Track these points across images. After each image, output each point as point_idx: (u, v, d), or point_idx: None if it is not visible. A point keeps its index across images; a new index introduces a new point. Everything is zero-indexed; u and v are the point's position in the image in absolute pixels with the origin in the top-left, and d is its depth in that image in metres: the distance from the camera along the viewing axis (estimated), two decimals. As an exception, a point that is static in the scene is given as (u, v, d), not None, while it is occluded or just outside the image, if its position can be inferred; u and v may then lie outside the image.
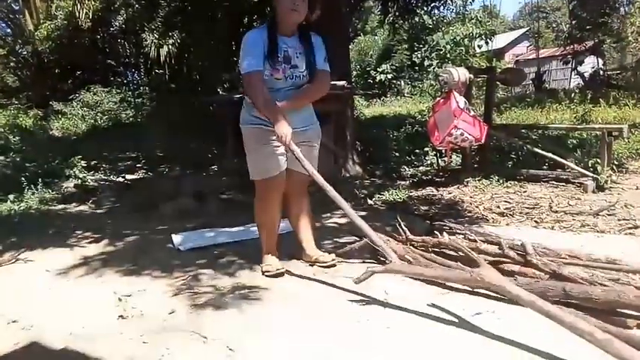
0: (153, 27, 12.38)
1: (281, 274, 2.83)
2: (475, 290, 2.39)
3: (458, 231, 3.09)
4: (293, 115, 2.72)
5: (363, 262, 2.98)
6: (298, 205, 3.02)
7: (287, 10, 2.64)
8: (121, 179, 6.21)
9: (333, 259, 2.94)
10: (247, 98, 2.82)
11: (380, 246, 2.52)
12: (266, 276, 2.82)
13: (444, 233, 2.98)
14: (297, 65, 2.72)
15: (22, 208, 4.76)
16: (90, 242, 3.72)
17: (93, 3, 11.09)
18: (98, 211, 4.89)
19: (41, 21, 14.11)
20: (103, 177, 6.30)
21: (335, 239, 3.54)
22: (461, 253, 2.55)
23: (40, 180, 5.35)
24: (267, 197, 2.87)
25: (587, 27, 17.98)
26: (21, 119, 10.98)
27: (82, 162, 6.24)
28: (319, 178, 2.65)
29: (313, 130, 2.92)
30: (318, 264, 2.95)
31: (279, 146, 2.71)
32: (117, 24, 14.10)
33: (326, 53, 2.85)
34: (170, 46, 12.50)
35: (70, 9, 12.16)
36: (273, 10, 2.76)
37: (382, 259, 2.96)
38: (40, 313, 2.43)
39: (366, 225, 2.63)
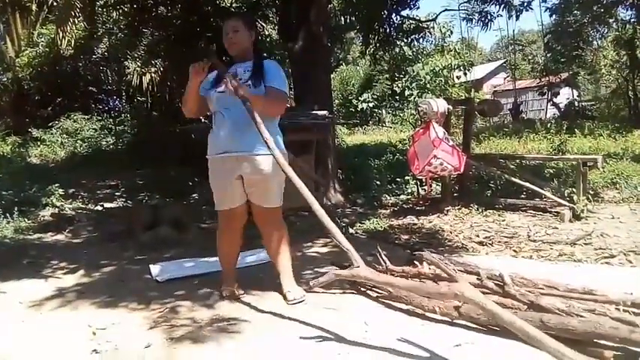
0: (136, 55, 12.41)
1: (236, 298, 2.91)
2: (454, 321, 2.40)
3: (439, 261, 3.09)
4: (237, 137, 2.70)
5: (344, 292, 2.97)
6: (269, 236, 2.96)
7: (226, 46, 2.92)
8: (99, 208, 6.12)
9: (303, 296, 2.84)
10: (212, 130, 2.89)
11: (348, 249, 2.46)
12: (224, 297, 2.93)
13: (424, 263, 2.99)
14: (242, 78, 2.76)
15: (-5, 237, 4.66)
16: (65, 273, 3.64)
17: (75, 31, 11.12)
18: (75, 240, 4.81)
19: (22, 48, 14.06)
20: (81, 205, 6.22)
21: (316, 269, 3.52)
22: (438, 271, 2.56)
23: (15, 208, 5.25)
24: (222, 228, 2.97)
25: (562, 59, 18.55)
26: (-2, 146, 10.85)
27: (60, 190, 6.15)
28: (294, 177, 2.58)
29: (264, 158, 2.72)
30: (285, 300, 2.85)
31: (236, 177, 2.75)
32: (99, 51, 14.12)
33: (281, 75, 2.86)
34: (152, 74, 12.54)
35: (52, 36, 12.16)
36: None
37: (362, 289, 2.96)
38: (11, 347, 2.36)
39: (335, 227, 2.59)
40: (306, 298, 2.85)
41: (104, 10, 10.76)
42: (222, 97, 2.76)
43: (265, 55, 3.08)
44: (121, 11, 10.52)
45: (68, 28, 10.30)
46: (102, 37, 13.27)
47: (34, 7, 10.35)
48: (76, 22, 10.37)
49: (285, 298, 2.88)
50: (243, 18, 3.06)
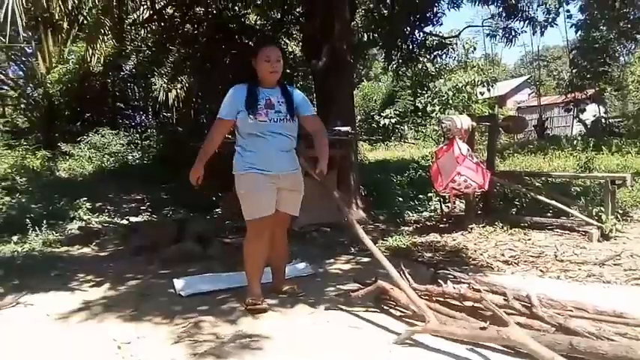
0: (162, 72, 12.64)
1: (263, 310, 2.96)
2: (479, 342, 2.35)
3: (462, 280, 3.06)
4: (278, 158, 3.04)
5: (367, 310, 2.94)
6: (282, 239, 3.32)
7: (267, 74, 3.07)
8: (125, 222, 6.21)
9: (299, 293, 3.27)
10: (239, 147, 3.10)
11: (419, 306, 2.56)
12: (248, 309, 2.95)
13: (448, 282, 2.96)
14: (280, 110, 3.06)
15: (25, 249, 4.75)
16: (92, 286, 3.70)
17: (105, 48, 11.43)
18: (101, 253, 4.88)
19: (53, 64, 14.46)
20: (108, 219, 6.31)
21: (338, 286, 3.51)
22: (463, 291, 2.56)
23: (44, 221, 5.36)
24: (259, 235, 3.09)
25: (588, 76, 18.28)
26: (29, 160, 11.07)
27: (87, 204, 6.26)
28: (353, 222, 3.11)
29: (297, 175, 3.18)
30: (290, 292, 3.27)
31: (273, 188, 3.04)
32: (127, 68, 14.44)
33: (308, 100, 3.28)
34: (178, 90, 12.76)
35: (82, 53, 12.49)
36: (252, 68, 3.13)
37: (385, 307, 2.93)
38: (38, 359, 2.39)
39: (402, 280, 2.74)
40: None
41: (133, 28, 11.04)
42: (265, 124, 3.00)
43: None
44: (148, 29, 10.80)
45: (98, 45, 10.60)
46: (130, 55, 13.58)
47: (65, 25, 10.65)
48: (106, 39, 10.68)
49: (291, 292, 3.27)
50: (280, 49, 3.28)
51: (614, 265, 3.91)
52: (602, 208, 5.09)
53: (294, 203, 3.20)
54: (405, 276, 2.98)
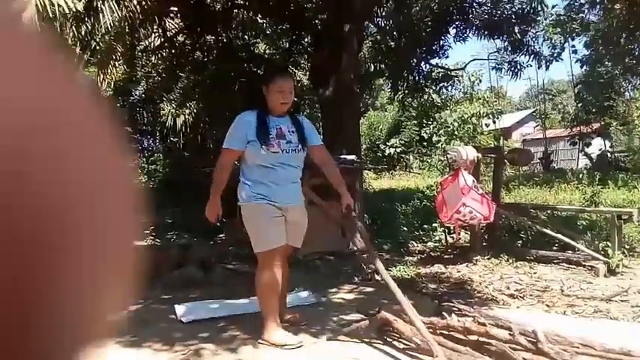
0: (171, 97, 12.83)
1: (300, 345, 2.86)
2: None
3: (467, 313, 3.02)
4: (287, 191, 2.99)
5: (370, 342, 2.90)
6: (286, 272, 3.20)
7: (277, 104, 3.02)
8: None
9: (302, 322, 3.23)
10: (245, 178, 3.02)
11: (427, 340, 2.52)
12: (287, 349, 2.82)
13: (453, 314, 2.92)
14: (291, 141, 3.01)
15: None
16: (92, 310, 3.65)
17: (115, 73, 11.62)
18: (103, 277, 4.85)
19: (64, 88, 14.69)
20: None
21: (341, 316, 3.46)
22: (468, 324, 2.51)
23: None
24: (272, 266, 2.97)
25: (593, 110, 18.38)
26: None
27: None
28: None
29: (302, 207, 3.15)
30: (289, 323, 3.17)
31: (282, 221, 2.98)
32: (137, 93, 14.64)
33: (315, 129, 3.28)
34: (186, 116, 12.90)
35: (93, 78, 12.68)
36: (262, 96, 3.09)
37: (389, 339, 2.88)
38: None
39: (412, 312, 2.71)
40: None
41: (144, 54, 11.24)
42: (277, 156, 2.96)
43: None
44: (159, 56, 10.98)
45: (109, 70, 10.78)
46: (140, 80, 13.79)
47: (77, 50, 10.87)
48: (117, 65, 10.86)
49: (293, 321, 3.23)
50: (292, 79, 3.26)
51: (621, 301, 3.85)
52: (608, 243, 5.04)
53: (298, 236, 3.15)
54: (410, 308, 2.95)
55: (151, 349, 2.83)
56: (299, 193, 3.10)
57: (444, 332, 2.71)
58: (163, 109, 13.33)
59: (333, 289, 4.25)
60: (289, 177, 3.01)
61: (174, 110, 12.96)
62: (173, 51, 9.68)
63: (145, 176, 13.16)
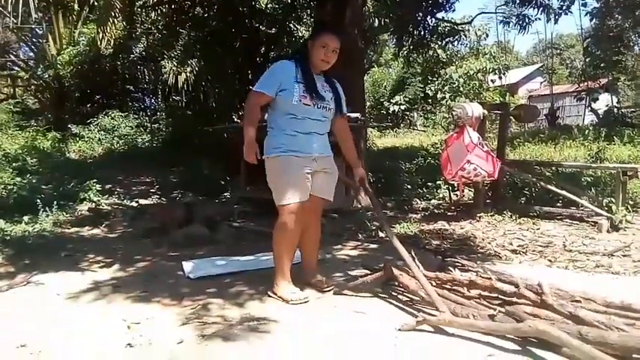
0: (172, 55, 12.65)
1: (307, 301, 2.89)
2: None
3: (470, 268, 3.06)
4: (315, 141, 2.98)
5: (375, 296, 2.95)
6: (316, 228, 3.19)
7: (318, 60, 2.99)
8: (134, 204, 6.25)
9: (328, 286, 3.09)
10: (273, 129, 2.99)
11: (433, 298, 2.53)
12: (292, 304, 2.84)
13: (456, 269, 2.96)
14: (324, 97, 3.00)
15: (36, 229, 4.78)
16: (101, 266, 3.73)
17: (115, 30, 11.40)
18: (111, 235, 4.92)
19: (64, 46, 14.46)
20: (117, 201, 6.35)
21: (346, 271, 3.52)
22: (473, 278, 2.57)
23: (54, 202, 5.40)
24: (290, 222, 2.93)
25: (601, 65, 18.03)
26: (39, 141, 11.12)
27: (97, 186, 6.29)
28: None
29: (331, 158, 3.12)
30: (313, 287, 3.11)
31: (309, 173, 2.94)
32: (137, 51, 14.42)
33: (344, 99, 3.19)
34: (188, 74, 12.76)
35: (93, 35, 12.48)
36: (305, 46, 3.07)
37: (394, 293, 2.93)
38: (49, 338, 2.43)
39: (416, 268, 2.75)
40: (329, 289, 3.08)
41: (143, 10, 11.00)
42: (308, 109, 2.94)
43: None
44: (159, 12, 10.76)
45: (108, 27, 10.57)
46: (140, 37, 13.56)
47: (75, 7, 10.62)
48: (116, 22, 10.63)
49: (317, 285, 3.10)
50: (341, 38, 3.09)
51: (623, 256, 3.89)
52: (612, 199, 5.06)
53: (329, 187, 3.11)
54: (415, 263, 2.98)
55: (159, 304, 2.89)
56: (327, 144, 3.08)
57: (449, 287, 2.75)
58: (164, 67, 13.16)
59: (338, 246, 4.30)
60: (318, 128, 3.00)
61: (175, 68, 12.80)
62: (173, 6, 9.47)
63: (149, 135, 13.12)
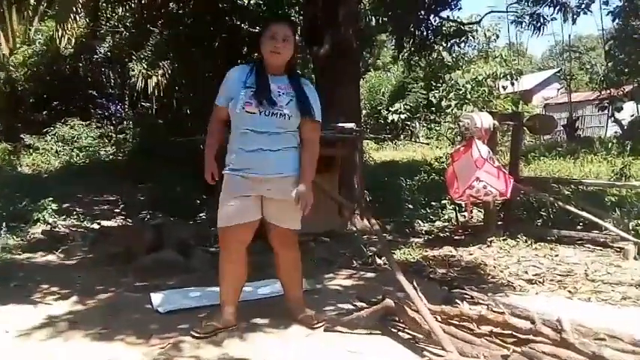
0: (142, 56, 12.68)
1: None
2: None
3: (480, 300, 3.06)
4: (265, 158, 2.87)
5: (370, 333, 2.93)
6: (285, 261, 3.15)
7: (267, 52, 2.91)
8: (95, 226, 6.20)
9: (319, 323, 3.04)
10: (228, 146, 3.02)
11: (439, 335, 2.52)
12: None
13: (464, 302, 2.96)
14: (275, 103, 2.87)
15: (-20, 256, 4.74)
16: (57, 299, 3.68)
17: (77, 28, 11.42)
18: (68, 262, 4.87)
19: (17, 45, 14.44)
20: (76, 223, 6.30)
21: (338, 304, 3.51)
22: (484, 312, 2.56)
23: (3, 224, 5.35)
24: (227, 247, 3.02)
25: (625, 70, 18.29)
26: (-14, 153, 11.10)
27: (53, 205, 6.25)
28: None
29: (292, 179, 2.95)
30: (301, 324, 3.07)
31: (248, 196, 2.91)
32: (102, 51, 14.46)
33: (318, 101, 3.06)
34: (159, 77, 12.77)
35: (51, 33, 12.49)
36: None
37: (394, 330, 2.92)
38: (-6, 383, 2.39)
39: (420, 302, 2.73)
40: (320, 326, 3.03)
41: (109, 5, 11.06)
42: (253, 117, 2.87)
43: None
44: (127, 7, 10.80)
45: (69, 24, 10.59)
46: (105, 36, 13.62)
47: (31, 1, 10.65)
48: (78, 18, 10.67)
49: (305, 322, 3.05)
50: (293, 26, 3.10)
51: (653, 287, 3.91)
52: (639, 222, 5.09)
53: (287, 213, 2.99)
54: (418, 294, 2.97)
55: (123, 342, 2.86)
56: (285, 163, 2.92)
57: (456, 322, 2.75)
58: (132, 70, 13.18)
59: (329, 275, 4.28)
60: (269, 143, 2.87)
61: (144, 71, 12.81)
62: (143, 1, 9.51)
63: (114, 147, 13.09)
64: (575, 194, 6.51)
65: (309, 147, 2.99)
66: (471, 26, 11.23)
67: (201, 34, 9.56)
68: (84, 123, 13.46)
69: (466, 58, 19.21)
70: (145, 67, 12.70)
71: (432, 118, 22.06)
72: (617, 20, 15.25)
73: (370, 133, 20.30)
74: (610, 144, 13.60)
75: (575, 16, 9.52)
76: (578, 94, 27.23)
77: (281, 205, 2.96)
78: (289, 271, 3.19)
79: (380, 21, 10.51)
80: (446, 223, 6.48)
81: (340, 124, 5.58)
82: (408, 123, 22.63)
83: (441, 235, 5.96)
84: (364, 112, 22.00)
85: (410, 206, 7.03)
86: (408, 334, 2.85)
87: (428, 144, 19.77)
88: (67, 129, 12.95)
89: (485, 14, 15.02)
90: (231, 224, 2.95)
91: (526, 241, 5.26)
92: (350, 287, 3.97)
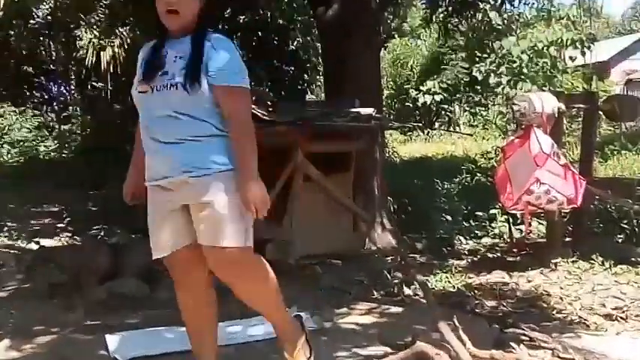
0: (92, 20, 12.70)
1: None
2: None
3: (542, 343, 3.06)
4: (161, 153, 2.73)
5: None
6: (240, 295, 2.98)
7: (162, 15, 2.74)
8: (34, 246, 6.23)
9: None
10: None
11: None
12: None
13: (522, 346, 2.95)
14: (167, 72, 2.72)
15: None
16: (-17, 342, 3.71)
17: (7, -15, 11.49)
18: (-2, 294, 4.91)
19: None
20: (7, 242, 6.33)
21: (354, 349, 3.51)
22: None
23: None
24: (176, 281, 2.96)
25: None
26: None
27: (-25, 219, 6.30)
28: None
29: (211, 179, 2.72)
30: None
31: (174, 211, 2.79)
32: (40, 15, 14.52)
33: (235, 58, 2.82)
34: (116, 49, 12.79)
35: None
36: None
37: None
38: None
39: (462, 346, 2.75)
40: None
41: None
42: (147, 99, 2.78)
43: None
44: (73, -43, 10.84)
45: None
46: (44, -4, 13.68)
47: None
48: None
49: None
50: None
51: None
52: None
53: (217, 227, 2.70)
54: (460, 336, 2.97)
55: (71, 401, 2.87)
56: (196, 158, 2.69)
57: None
58: (80, 39, 13.21)
59: (342, 310, 4.28)
60: (164, 132, 2.70)
61: (96, 40, 12.82)
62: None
63: (56, 142, 13.14)
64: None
65: (234, 127, 2.73)
66: (527, -22, 11.22)
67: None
68: (16, 110, 13.52)
69: (521, 21, 19.15)
70: (97, 35, 12.73)
71: (476, 100, 22.01)
72: None
73: (394, 120, 20.30)
74: None
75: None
76: (672, 66, 27.11)
77: (204, 217, 2.72)
78: (258, 308, 3.14)
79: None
80: (496, 240, 6.47)
81: (354, 109, 5.58)
82: (445, 107, 22.59)
83: (490, 255, 5.96)
84: (386, 92, 22.01)
85: (448, 218, 7.03)
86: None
87: (471, 134, 19.79)
88: (-5, 118, 13.03)
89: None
90: (166, 253, 2.85)
91: (603, 264, 5.24)
92: (369, 326, 3.97)
